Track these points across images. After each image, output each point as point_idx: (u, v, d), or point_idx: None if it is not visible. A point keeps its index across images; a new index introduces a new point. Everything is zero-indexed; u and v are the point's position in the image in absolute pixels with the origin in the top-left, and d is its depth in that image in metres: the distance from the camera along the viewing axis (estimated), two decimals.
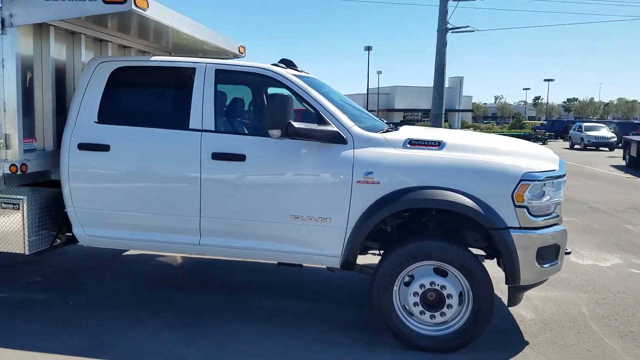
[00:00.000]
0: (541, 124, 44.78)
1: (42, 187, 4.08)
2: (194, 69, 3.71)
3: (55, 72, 3.91)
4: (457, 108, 50.31)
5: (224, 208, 3.59)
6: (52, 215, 3.97)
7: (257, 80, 4.00)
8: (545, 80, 73.27)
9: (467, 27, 22.63)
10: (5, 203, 3.74)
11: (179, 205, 3.65)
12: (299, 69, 3.96)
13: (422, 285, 3.29)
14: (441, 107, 22.59)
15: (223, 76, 3.72)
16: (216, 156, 3.56)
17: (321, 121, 3.45)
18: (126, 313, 3.88)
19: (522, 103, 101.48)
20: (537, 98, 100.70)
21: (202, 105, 3.63)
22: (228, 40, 5.04)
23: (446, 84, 23.84)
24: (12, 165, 3.58)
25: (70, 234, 4.19)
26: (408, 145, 3.40)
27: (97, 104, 3.74)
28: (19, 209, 3.73)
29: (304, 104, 3.56)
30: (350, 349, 3.36)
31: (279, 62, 3.87)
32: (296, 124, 3.22)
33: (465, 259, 3.23)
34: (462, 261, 3.21)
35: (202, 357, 3.23)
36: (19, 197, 3.72)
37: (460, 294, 3.27)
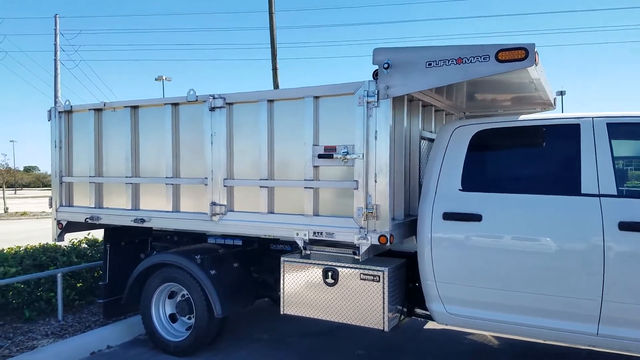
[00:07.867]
0: None
1: (384, 257, 3.96)
2: (577, 125, 3.24)
3: (405, 142, 3.86)
4: None
5: None
6: (399, 288, 3.79)
7: None
8: None
9: None
10: (365, 274, 3.66)
11: (571, 285, 3.09)
12: None
13: None
14: None
15: (618, 131, 3.16)
16: (625, 226, 2.94)
17: None
18: None
19: None
20: None
21: (595, 166, 3.11)
22: (551, 91, 4.51)
23: None
24: (381, 236, 3.48)
25: (406, 309, 3.98)
26: None
27: (460, 171, 3.51)
28: (378, 281, 3.61)
29: None
30: None
31: None
32: None
33: None
34: None
35: None
36: (379, 268, 3.61)
37: None
